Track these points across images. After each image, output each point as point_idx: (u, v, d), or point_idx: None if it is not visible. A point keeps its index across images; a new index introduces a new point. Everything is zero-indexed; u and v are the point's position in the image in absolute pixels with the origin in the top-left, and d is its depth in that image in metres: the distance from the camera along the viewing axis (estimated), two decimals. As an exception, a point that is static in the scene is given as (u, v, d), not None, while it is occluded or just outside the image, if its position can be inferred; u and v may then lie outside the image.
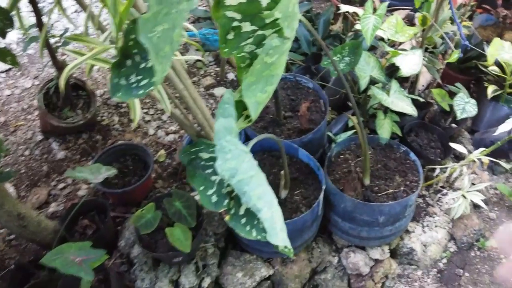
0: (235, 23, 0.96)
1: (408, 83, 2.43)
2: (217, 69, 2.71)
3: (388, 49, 2.04)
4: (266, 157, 1.94)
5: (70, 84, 2.19)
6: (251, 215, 0.92)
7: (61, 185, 2.14)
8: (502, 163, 1.94)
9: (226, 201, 0.93)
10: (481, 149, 1.82)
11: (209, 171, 0.98)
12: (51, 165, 2.22)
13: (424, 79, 2.68)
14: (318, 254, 1.96)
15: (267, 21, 0.98)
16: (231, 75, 2.67)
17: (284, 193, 1.75)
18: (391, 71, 2.27)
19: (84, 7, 1.32)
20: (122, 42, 0.82)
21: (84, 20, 1.26)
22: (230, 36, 0.96)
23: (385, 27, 2.07)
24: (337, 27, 2.91)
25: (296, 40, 2.72)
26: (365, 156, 1.71)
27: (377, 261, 1.95)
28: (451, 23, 2.23)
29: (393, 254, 2.07)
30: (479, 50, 2.12)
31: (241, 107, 0.96)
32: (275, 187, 1.80)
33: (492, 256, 2.09)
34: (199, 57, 1.64)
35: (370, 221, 1.76)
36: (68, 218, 1.62)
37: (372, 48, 2.87)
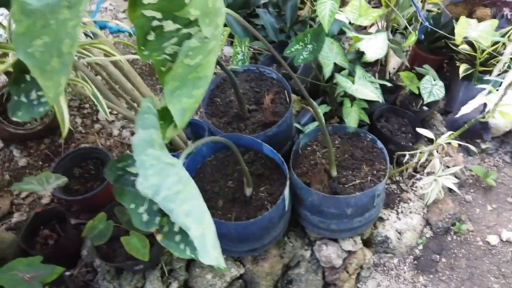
0: (155, 23, 0.88)
1: (378, 67, 2.37)
2: (184, 63, 2.62)
3: (350, 34, 1.97)
4: (230, 153, 1.88)
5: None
6: (186, 233, 0.86)
7: (23, 194, 2.07)
8: (471, 146, 1.90)
9: (158, 218, 0.86)
10: (449, 133, 1.77)
11: (140, 186, 0.91)
12: (13, 173, 2.14)
13: (395, 62, 2.62)
14: (290, 249, 1.91)
15: (192, 18, 0.90)
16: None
17: (248, 191, 1.69)
18: (359, 56, 2.20)
19: None
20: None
21: None
22: (151, 37, 0.89)
23: (347, 10, 2.00)
24: (306, 12, 2.83)
25: (263, 28, 2.64)
26: (329, 147, 1.65)
27: (350, 252, 1.91)
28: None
29: (368, 243, 2.04)
30: (441, 32, 2.05)
31: (168, 114, 0.89)
32: (240, 185, 1.75)
33: (468, 240, 2.06)
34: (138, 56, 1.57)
35: (338, 214, 1.71)
36: (22, 231, 1.56)
37: (342, 33, 2.80)
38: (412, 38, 1.81)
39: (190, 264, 1.79)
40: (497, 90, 1.70)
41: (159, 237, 0.84)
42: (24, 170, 2.13)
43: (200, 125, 2.08)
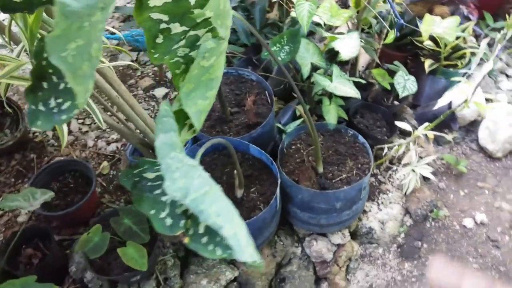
0: (163, 25, 0.88)
1: (349, 66, 2.44)
2: (155, 68, 2.59)
3: (326, 34, 2.02)
4: (217, 157, 1.87)
5: (-7, 102, 1.99)
6: (213, 232, 0.85)
7: (-4, 214, 1.96)
8: (446, 135, 2.01)
9: (183, 221, 0.85)
10: (425, 124, 1.87)
11: (158, 191, 0.89)
12: (-17, 193, 2.02)
13: (364, 60, 2.71)
14: (281, 247, 1.93)
15: (198, 20, 0.91)
16: (170, 74, 2.55)
17: (240, 193, 1.70)
18: (331, 55, 2.27)
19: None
20: (34, 63, 0.71)
21: (-8, 33, 1.12)
22: (159, 40, 0.88)
23: (320, 12, 2.05)
24: (274, 15, 2.87)
25: (234, 31, 2.65)
26: (316, 144, 1.69)
27: (339, 245, 1.95)
28: (384, 2, 2.26)
29: (354, 235, 2.09)
30: (412, 26, 2.16)
31: (182, 116, 0.89)
32: (230, 187, 1.75)
33: (446, 225, 2.17)
34: (129, 62, 1.57)
35: (328, 209, 1.75)
36: (7, 251, 1.47)
37: (310, 34, 2.87)
38: (392, 35, 1.89)
39: (184, 271, 1.76)
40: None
41: (186, 240, 0.83)
42: (-5, 188, 2.02)
43: (181, 131, 2.06)
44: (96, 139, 2.24)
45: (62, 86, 0.73)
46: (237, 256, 0.76)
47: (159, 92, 2.43)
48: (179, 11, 0.88)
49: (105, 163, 2.11)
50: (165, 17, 0.88)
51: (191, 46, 0.90)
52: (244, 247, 0.76)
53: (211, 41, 0.83)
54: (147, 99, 2.42)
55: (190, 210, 0.88)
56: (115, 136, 2.25)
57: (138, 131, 1.74)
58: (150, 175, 0.91)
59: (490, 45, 2.61)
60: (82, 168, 1.92)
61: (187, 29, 0.90)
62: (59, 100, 0.71)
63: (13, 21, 1.11)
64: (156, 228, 0.84)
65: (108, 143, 2.22)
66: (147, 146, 1.81)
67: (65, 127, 1.04)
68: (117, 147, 2.19)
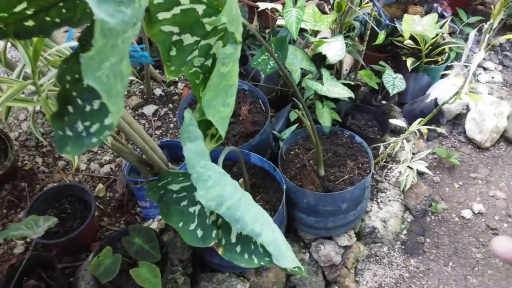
0: (175, 37, 0.87)
1: (334, 70, 2.48)
2: (141, 86, 2.56)
3: (313, 39, 2.05)
4: (216, 169, 1.85)
5: (-22, 132, 1.92)
6: (245, 241, 0.83)
7: (-10, 248, 1.87)
8: (438, 129, 2.05)
9: (214, 232, 0.83)
10: (419, 120, 1.90)
11: (184, 203, 0.87)
12: (-27, 228, 1.93)
13: (347, 63, 2.76)
14: (288, 255, 1.91)
15: (208, 29, 0.90)
16: (158, 91, 2.53)
17: (244, 202, 1.68)
18: (315, 60, 2.30)
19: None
20: (59, 88, 0.69)
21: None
22: (173, 52, 0.87)
23: (304, 18, 2.08)
24: (254, 26, 2.90)
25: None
26: (317, 147, 1.69)
27: (346, 247, 1.95)
28: (359, 6, 2.32)
29: (358, 236, 2.10)
30: (395, 25, 2.22)
31: (203, 126, 0.87)
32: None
33: (446, 218, 2.20)
34: (133, 77, 1.55)
35: (334, 211, 1.75)
36: (11, 286, 1.41)
37: (292, 42, 2.90)
38: (382, 36, 1.93)
39: (194, 288, 1.72)
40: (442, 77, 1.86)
41: (220, 251, 0.81)
42: (-13, 222, 1.93)
43: (177, 145, 2.03)
44: (88, 162, 2.18)
45: (88, 108, 0.71)
46: (279, 262, 0.74)
47: (148, 110, 2.40)
48: (188, 21, 0.88)
49: (100, 186, 2.06)
50: (175, 29, 0.87)
51: (205, 56, 0.90)
52: (285, 252, 0.75)
53: (230, 46, 0.83)
54: (136, 117, 2.38)
55: (219, 219, 0.86)
56: (107, 157, 2.20)
57: (134, 148, 1.71)
58: (175, 187, 0.88)
59: (465, 39, 2.71)
60: (79, 192, 1.86)
61: (199, 39, 0.90)
62: (87, 123, 0.68)
63: None
64: (187, 241, 0.82)
65: (101, 165, 2.16)
66: (145, 164, 1.78)
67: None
68: (111, 168, 2.14)
